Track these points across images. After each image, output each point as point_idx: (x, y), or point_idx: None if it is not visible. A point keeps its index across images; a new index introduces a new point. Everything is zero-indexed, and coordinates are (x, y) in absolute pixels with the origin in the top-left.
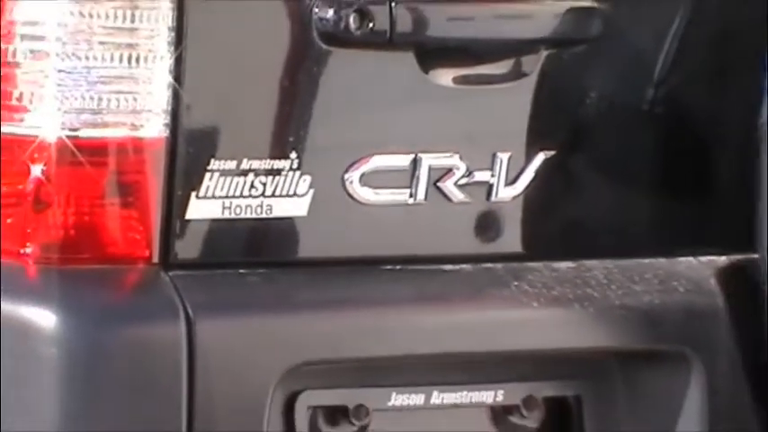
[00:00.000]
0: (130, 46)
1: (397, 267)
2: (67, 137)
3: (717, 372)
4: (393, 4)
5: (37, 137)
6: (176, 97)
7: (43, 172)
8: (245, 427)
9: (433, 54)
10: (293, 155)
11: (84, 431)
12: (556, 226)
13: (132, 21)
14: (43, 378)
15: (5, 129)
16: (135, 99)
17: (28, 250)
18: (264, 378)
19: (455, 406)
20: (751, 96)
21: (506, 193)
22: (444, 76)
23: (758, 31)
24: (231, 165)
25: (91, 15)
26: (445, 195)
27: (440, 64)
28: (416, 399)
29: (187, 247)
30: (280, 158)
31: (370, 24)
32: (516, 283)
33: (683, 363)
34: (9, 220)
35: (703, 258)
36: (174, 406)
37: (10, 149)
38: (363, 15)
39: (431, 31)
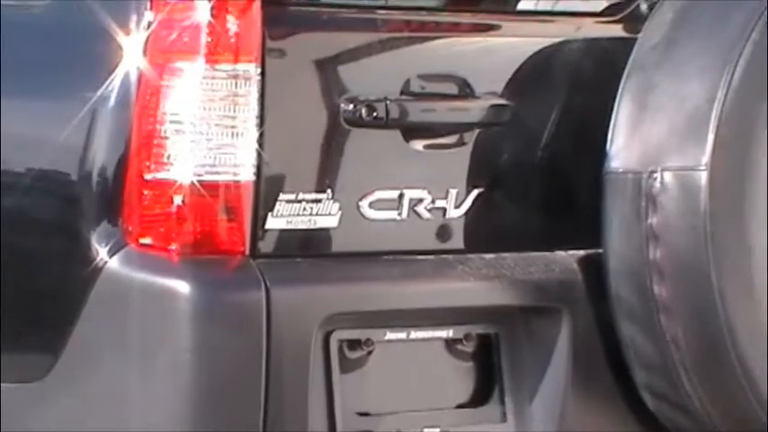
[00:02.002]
0: (233, 126)
1: (390, 257)
2: (196, 181)
3: (578, 320)
4: (388, 102)
5: (177, 180)
6: (259, 156)
7: (182, 201)
8: (301, 352)
9: (410, 131)
10: (329, 191)
11: (207, 354)
12: (483, 232)
13: (234, 111)
14: (182, 323)
15: (160, 175)
16: (235, 157)
17: (172, 247)
18: (311, 323)
19: (424, 339)
20: (600, 152)
21: (454, 213)
22: (417, 144)
23: (603, 119)
24: (291, 196)
25: (210, 109)
26: (418, 214)
27: (415, 137)
28: (402, 335)
29: (265, 246)
30: (320, 192)
31: (374, 113)
32: (461, 266)
33: (557, 314)
34: (161, 229)
35: (570, 252)
36: (258, 337)
37: (162, 187)
38: (371, 108)
39: (409, 117)
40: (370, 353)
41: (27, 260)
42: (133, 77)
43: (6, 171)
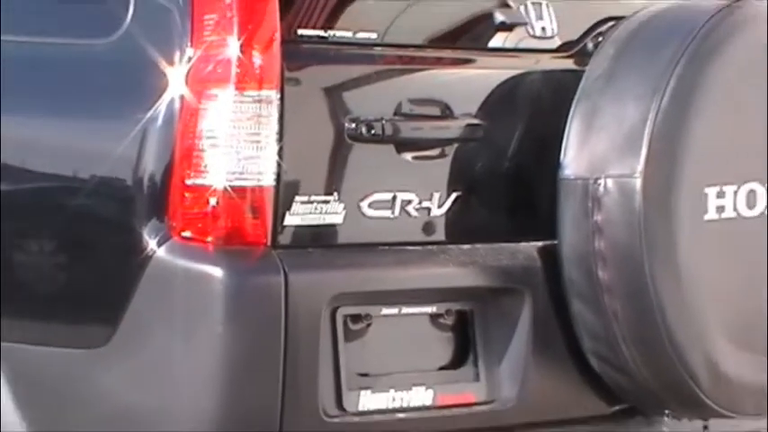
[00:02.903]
0: (257, 141)
1: (385, 248)
2: (227, 185)
3: (537, 298)
4: (383, 122)
5: (212, 185)
6: (279, 166)
7: (216, 202)
8: (312, 324)
9: (402, 145)
10: (335, 193)
11: (237, 325)
12: (460, 227)
13: (258, 129)
14: (216, 301)
15: (198, 181)
16: (259, 166)
17: (208, 239)
18: (321, 301)
19: (412, 314)
20: (555, 163)
21: (437, 212)
22: (407, 156)
23: (558, 135)
24: (305, 198)
25: (239, 127)
26: (408, 213)
27: (405, 150)
28: (394, 310)
29: (283, 238)
30: (328, 195)
31: (372, 131)
32: (442, 255)
33: (521, 294)
34: (199, 225)
35: (531, 243)
36: (278, 312)
37: (200, 191)
38: (369, 127)
39: (401, 134)
40: (368, 325)
41: (92, 249)
42: (177, 102)
43: (76, 178)
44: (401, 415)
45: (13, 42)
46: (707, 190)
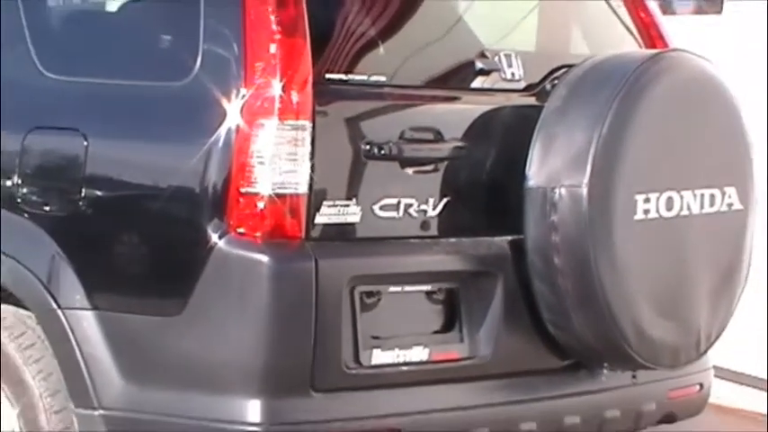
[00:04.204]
0: (294, 159)
1: (392, 241)
2: (272, 193)
3: (507, 279)
4: (390, 144)
5: (260, 193)
6: (311, 178)
7: (263, 206)
8: (336, 299)
9: (405, 162)
10: (354, 199)
11: (279, 300)
12: (449, 225)
13: (295, 149)
14: (263, 281)
15: (250, 190)
16: (296, 178)
17: (257, 234)
18: (342, 281)
19: (412, 291)
20: (522, 176)
21: (432, 213)
22: (409, 170)
23: (524, 154)
24: (330, 203)
25: (280, 148)
26: (409, 214)
27: (407, 165)
28: (399, 288)
29: (314, 233)
30: (348, 200)
31: (382, 151)
32: (435, 246)
33: (495, 276)
34: (250, 223)
35: (503, 237)
36: (310, 290)
37: (251, 197)
38: (380, 148)
39: (404, 153)
40: (379, 299)
41: (170, 241)
42: (233, 129)
43: (159, 187)
44: (404, 368)
45: (111, 84)
46: (636, 197)
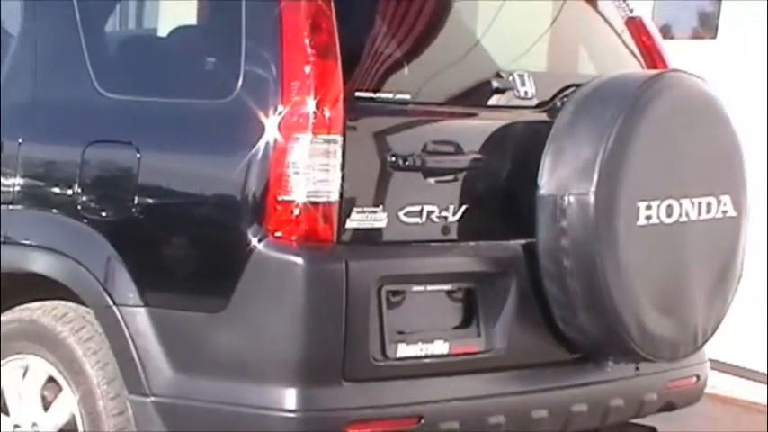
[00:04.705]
0: (327, 170)
1: (415, 245)
2: (306, 201)
3: (521, 279)
4: (414, 156)
5: (295, 200)
6: (342, 187)
7: (298, 212)
8: (365, 297)
9: (427, 173)
10: (381, 206)
11: (313, 297)
12: (468, 230)
13: (327, 161)
14: (299, 281)
15: (286, 198)
16: (328, 187)
17: (293, 238)
18: (370, 280)
19: (434, 290)
20: (535, 185)
21: (452, 219)
22: (431, 180)
23: (536, 165)
24: (360, 209)
25: (314, 160)
26: (431, 220)
27: (429, 176)
28: (422, 288)
29: (345, 237)
30: (376, 207)
31: (407, 162)
32: (455, 249)
33: (509, 276)
34: (287, 228)
35: (517, 240)
36: (341, 289)
37: (287, 204)
38: (404, 159)
39: (427, 165)
40: (404, 298)
41: (215, 244)
42: (271, 143)
43: (204, 195)
44: (426, 360)
45: (161, 102)
46: (638, 204)
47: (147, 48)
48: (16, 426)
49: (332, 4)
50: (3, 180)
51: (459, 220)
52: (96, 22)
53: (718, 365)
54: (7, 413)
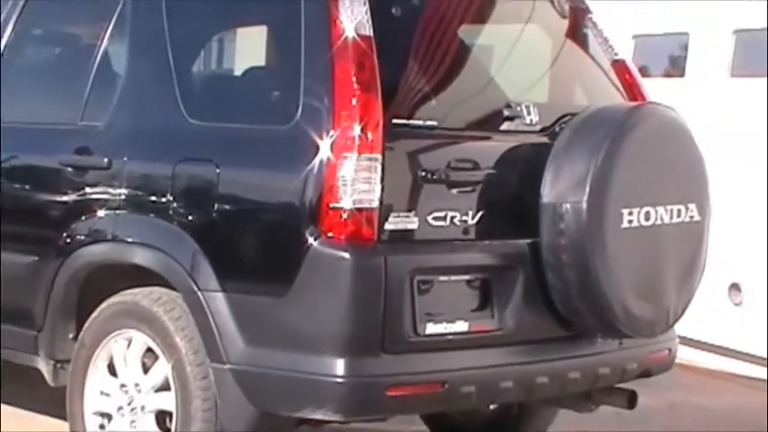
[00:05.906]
0: (369, 182)
1: (441, 243)
2: (353, 207)
3: (527, 272)
4: (440, 171)
5: (344, 207)
6: (381, 195)
7: (346, 216)
8: (400, 286)
9: (451, 184)
10: (413, 211)
11: (358, 286)
12: (484, 231)
13: (369, 174)
14: (347, 273)
15: (336, 205)
16: (370, 195)
17: (342, 237)
18: (405, 272)
19: (457, 281)
20: (538, 194)
21: (471, 222)
22: (454, 191)
23: (539, 179)
24: (396, 214)
25: (358, 175)
26: (454, 223)
27: (453, 187)
28: (446, 278)
29: (384, 237)
30: (409, 212)
31: (434, 176)
32: (474, 247)
33: (517, 269)
34: (337, 229)
35: (524, 239)
36: (380, 279)
37: (337, 210)
38: (432, 173)
39: (450, 178)
40: (431, 286)
41: (280, 243)
42: (325, 161)
43: (270, 203)
44: (450, 337)
45: (236, 127)
46: (622, 210)
47: (225, 84)
48: (122, 385)
49: (373, 47)
50: (111, 191)
51: (476, 223)
52: (185, 65)
53: (686, 341)
54: (115, 375)
